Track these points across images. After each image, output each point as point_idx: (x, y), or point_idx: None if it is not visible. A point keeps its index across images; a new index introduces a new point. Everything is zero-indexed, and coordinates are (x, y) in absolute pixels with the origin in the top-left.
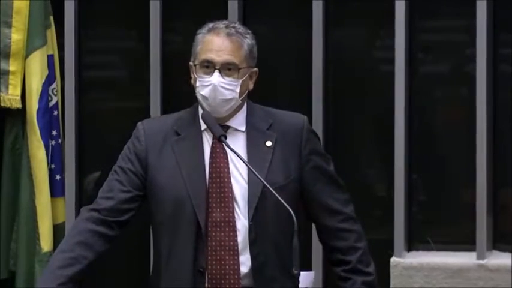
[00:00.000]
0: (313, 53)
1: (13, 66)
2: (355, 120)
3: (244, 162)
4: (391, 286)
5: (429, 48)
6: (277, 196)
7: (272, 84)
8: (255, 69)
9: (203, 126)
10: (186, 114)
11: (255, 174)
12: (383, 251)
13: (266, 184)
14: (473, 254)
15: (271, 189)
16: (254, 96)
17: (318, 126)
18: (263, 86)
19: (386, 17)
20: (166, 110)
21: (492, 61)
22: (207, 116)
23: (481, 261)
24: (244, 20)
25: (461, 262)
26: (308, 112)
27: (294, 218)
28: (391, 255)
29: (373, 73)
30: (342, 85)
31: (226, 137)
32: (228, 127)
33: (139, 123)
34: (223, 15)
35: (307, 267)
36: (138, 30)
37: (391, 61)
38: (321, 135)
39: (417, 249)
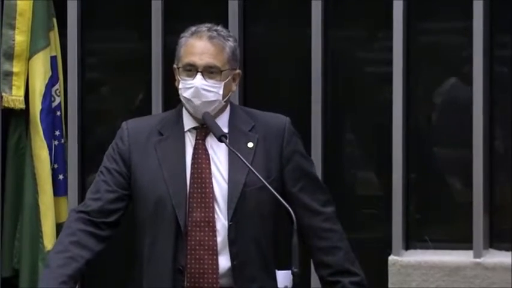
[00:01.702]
0: (312, 53)
1: (17, 67)
2: (354, 120)
3: (245, 163)
4: (389, 284)
5: (426, 49)
6: (276, 194)
7: (271, 84)
8: (238, 71)
9: (186, 126)
10: (170, 115)
11: (255, 173)
12: (381, 250)
13: (266, 184)
14: (470, 253)
15: (270, 188)
16: (253, 96)
17: (316, 126)
18: (263, 86)
19: (384, 18)
20: (167, 110)
21: (489, 62)
22: (207, 117)
23: (478, 260)
24: (244, 20)
25: (458, 260)
26: (307, 112)
27: (294, 216)
28: (389, 254)
29: (372, 73)
30: (340, 85)
31: (226, 137)
32: None
33: (123, 123)
34: (223, 15)
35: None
36: (140, 31)
37: (389, 62)
38: (319, 135)
39: (415, 248)
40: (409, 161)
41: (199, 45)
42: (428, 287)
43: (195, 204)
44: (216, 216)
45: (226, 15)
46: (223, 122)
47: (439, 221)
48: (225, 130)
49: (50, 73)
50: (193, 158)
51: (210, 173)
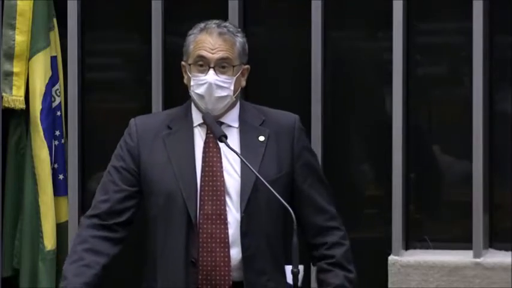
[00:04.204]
0: (312, 53)
1: (17, 67)
2: (353, 120)
3: (244, 162)
4: (389, 284)
5: (426, 50)
6: (278, 196)
7: (271, 84)
8: (247, 66)
9: (195, 121)
10: (178, 110)
11: (253, 171)
12: (381, 250)
13: (265, 182)
14: (470, 253)
15: (268, 186)
16: (253, 96)
17: (316, 126)
18: (262, 86)
19: (384, 19)
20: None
21: (489, 62)
22: (207, 117)
23: (478, 260)
24: (245, 20)
25: (457, 260)
26: (307, 112)
27: (294, 216)
28: (389, 254)
29: (372, 73)
30: (340, 85)
31: (226, 137)
32: (222, 123)
33: (131, 120)
34: (223, 15)
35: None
36: (140, 32)
37: (389, 62)
38: (319, 135)
39: (414, 248)
40: (409, 161)
41: (210, 41)
42: (428, 287)
43: (206, 197)
44: (227, 209)
45: (226, 15)
46: (233, 117)
47: (439, 221)
48: (236, 125)
49: (50, 73)
50: (204, 152)
51: (221, 166)
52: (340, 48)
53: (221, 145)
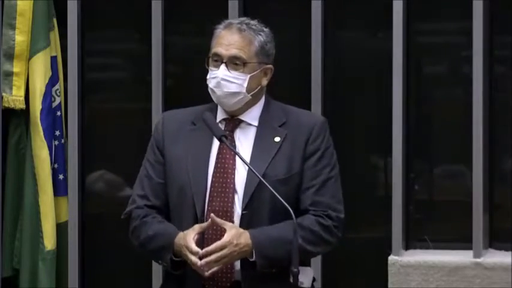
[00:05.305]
0: (312, 53)
1: (17, 67)
2: (353, 120)
3: (244, 161)
4: (389, 284)
5: (426, 50)
6: (277, 195)
7: (271, 84)
8: (269, 66)
9: (219, 117)
10: (206, 107)
11: (253, 172)
12: (381, 250)
13: (266, 183)
14: (470, 253)
15: (269, 186)
16: None
17: None
18: None
19: (384, 18)
20: (167, 111)
21: (489, 62)
22: (207, 118)
23: (478, 260)
24: None
25: (458, 260)
26: None
27: (294, 217)
28: (389, 254)
29: (371, 73)
30: (340, 85)
31: (226, 138)
32: (241, 121)
33: (161, 114)
34: (223, 15)
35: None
36: (140, 32)
37: (389, 62)
38: None
39: (414, 248)
40: (409, 161)
41: (228, 37)
42: (428, 287)
43: (215, 194)
44: (234, 206)
45: (226, 15)
46: (253, 116)
47: (439, 221)
48: (255, 123)
49: (50, 73)
50: (219, 149)
51: (234, 164)
52: (340, 48)
53: (237, 143)
